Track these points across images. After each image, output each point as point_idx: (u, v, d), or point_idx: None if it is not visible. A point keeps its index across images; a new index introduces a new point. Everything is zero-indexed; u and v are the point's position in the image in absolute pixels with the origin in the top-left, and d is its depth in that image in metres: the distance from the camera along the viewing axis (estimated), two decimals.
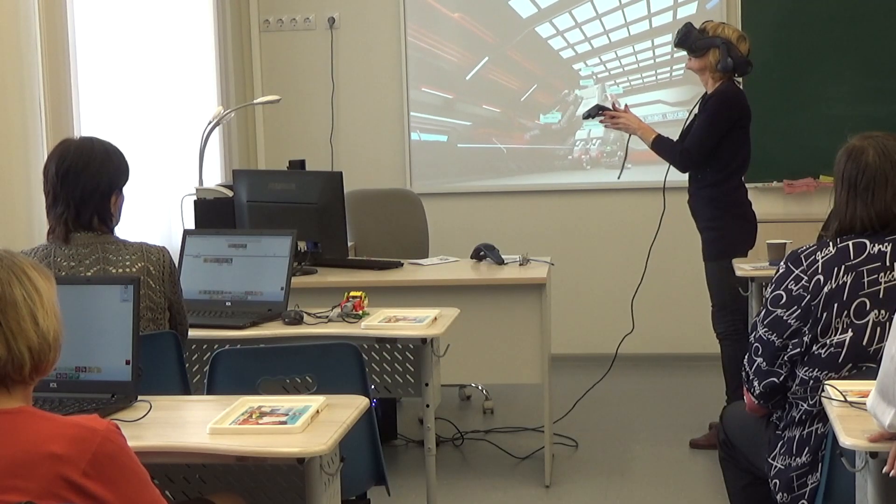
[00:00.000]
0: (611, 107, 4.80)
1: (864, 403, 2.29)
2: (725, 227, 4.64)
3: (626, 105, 4.88)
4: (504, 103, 6.31)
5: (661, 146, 4.66)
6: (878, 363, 2.25)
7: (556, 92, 6.26)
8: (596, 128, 6.09)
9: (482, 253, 4.60)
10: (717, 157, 4.59)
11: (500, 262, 4.51)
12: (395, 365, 3.69)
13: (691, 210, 4.74)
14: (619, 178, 5.15)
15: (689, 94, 6.01)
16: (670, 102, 6.06)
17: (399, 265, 4.58)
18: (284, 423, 2.38)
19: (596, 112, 4.75)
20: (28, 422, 1.77)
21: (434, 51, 6.30)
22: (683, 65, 5.93)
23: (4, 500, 1.70)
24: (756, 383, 2.84)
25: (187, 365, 3.18)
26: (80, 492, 1.72)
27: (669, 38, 5.96)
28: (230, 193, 4.67)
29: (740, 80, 4.83)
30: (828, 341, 2.69)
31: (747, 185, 4.76)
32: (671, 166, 4.73)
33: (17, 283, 1.81)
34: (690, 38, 4.60)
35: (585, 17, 6.17)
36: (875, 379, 2.23)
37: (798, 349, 2.73)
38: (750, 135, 4.64)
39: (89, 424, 1.76)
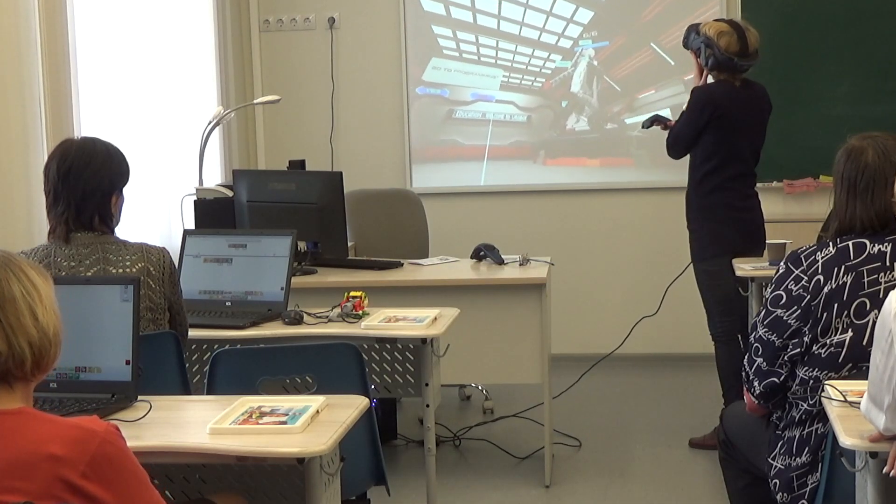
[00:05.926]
0: (666, 118, 4.80)
1: None
2: (700, 230, 4.65)
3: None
4: None
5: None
6: None
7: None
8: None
9: (482, 253, 4.60)
10: (691, 158, 4.62)
11: (500, 262, 4.51)
12: (395, 365, 3.69)
13: None
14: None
15: (535, 103, 6.24)
16: (520, 106, 6.26)
17: (399, 265, 4.58)
18: (284, 423, 2.38)
19: (652, 122, 4.78)
20: (28, 423, 1.77)
21: None
22: (544, 80, 6.19)
23: (3, 500, 1.70)
24: (756, 383, 2.84)
25: (187, 365, 3.17)
26: (79, 493, 1.72)
27: (545, 55, 6.22)
28: (230, 193, 4.67)
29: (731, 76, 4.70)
30: (828, 341, 2.69)
31: None
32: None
33: (15, 279, 1.82)
34: (689, 39, 4.61)
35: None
36: None
37: (798, 349, 2.73)
38: (738, 138, 4.53)
39: (89, 426, 1.76)
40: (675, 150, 4.66)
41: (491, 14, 6.25)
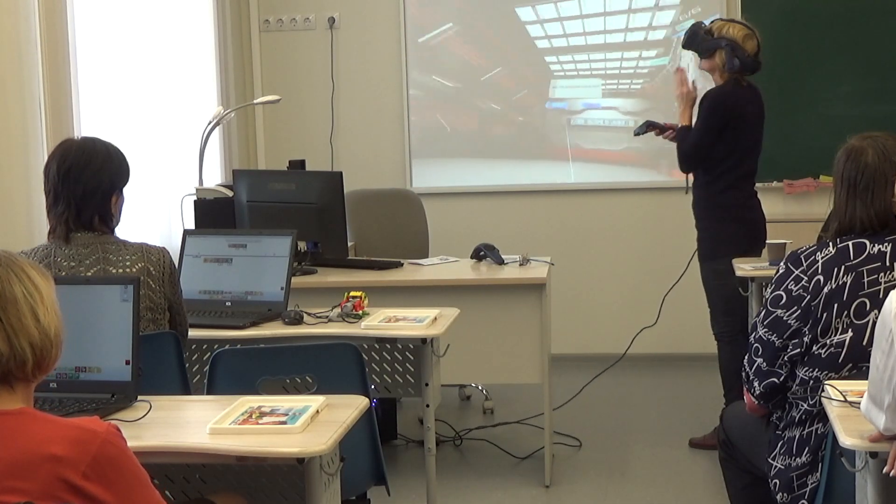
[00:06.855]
0: (659, 122, 4.79)
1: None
2: (711, 229, 4.63)
3: (693, 81, 4.77)
4: (462, 78, 6.32)
5: (678, 138, 4.66)
6: None
7: (520, 78, 6.26)
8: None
9: (482, 253, 4.60)
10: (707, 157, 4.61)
11: (500, 262, 4.51)
12: (395, 365, 3.69)
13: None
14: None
15: (640, 106, 6.15)
16: (622, 111, 6.19)
17: (399, 265, 4.58)
18: (284, 423, 2.38)
19: (645, 129, 4.76)
20: (29, 423, 1.77)
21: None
22: (642, 82, 6.07)
23: (4, 500, 1.70)
24: (756, 384, 2.84)
25: (187, 365, 3.18)
26: (80, 494, 1.72)
27: (637, 53, 6.13)
28: (230, 193, 4.67)
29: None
30: (828, 341, 2.69)
31: None
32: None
33: (17, 280, 1.82)
34: (697, 40, 4.59)
35: (570, 13, 6.18)
36: None
37: (798, 349, 2.73)
38: (749, 137, 4.56)
39: (90, 427, 1.76)
40: (692, 161, 4.61)
41: (594, 31, 6.16)
